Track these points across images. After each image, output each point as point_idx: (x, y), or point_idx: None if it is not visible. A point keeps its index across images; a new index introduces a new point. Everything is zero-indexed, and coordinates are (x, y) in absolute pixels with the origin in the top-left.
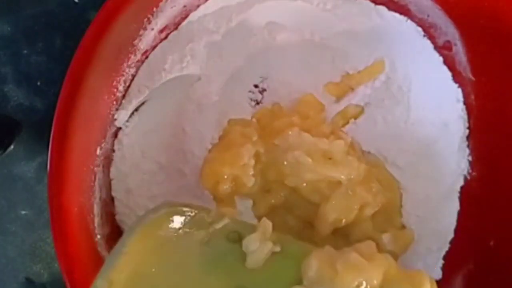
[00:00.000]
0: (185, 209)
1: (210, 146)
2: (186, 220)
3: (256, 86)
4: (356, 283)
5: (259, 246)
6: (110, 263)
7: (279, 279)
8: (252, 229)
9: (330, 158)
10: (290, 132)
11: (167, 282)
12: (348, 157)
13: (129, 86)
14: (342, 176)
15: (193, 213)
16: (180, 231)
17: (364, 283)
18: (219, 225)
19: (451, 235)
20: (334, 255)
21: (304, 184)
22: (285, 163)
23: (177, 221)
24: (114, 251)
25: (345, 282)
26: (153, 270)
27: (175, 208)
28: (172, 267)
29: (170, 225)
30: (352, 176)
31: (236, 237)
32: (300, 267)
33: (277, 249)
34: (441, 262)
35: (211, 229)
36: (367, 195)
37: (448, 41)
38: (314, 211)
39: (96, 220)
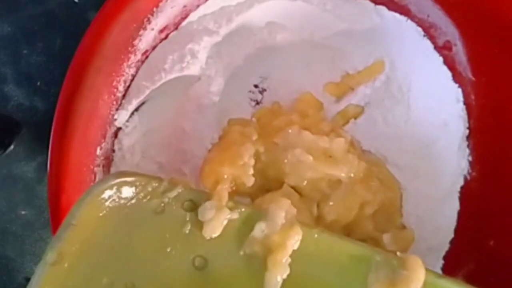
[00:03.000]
0: (135, 178)
1: (210, 146)
2: (137, 189)
3: (256, 86)
4: None
5: (215, 213)
6: (59, 236)
7: (239, 247)
8: (208, 197)
9: (330, 156)
10: (290, 131)
11: (121, 253)
12: (348, 155)
13: (129, 86)
14: (343, 174)
15: (145, 182)
16: (132, 201)
17: None
18: (172, 194)
19: (451, 235)
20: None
21: (305, 183)
22: (285, 161)
23: (128, 191)
24: (63, 223)
25: None
26: (106, 241)
27: (124, 178)
28: (125, 238)
29: (120, 195)
30: (352, 174)
31: (191, 206)
32: None
33: (235, 216)
34: (441, 262)
35: (164, 198)
36: (367, 193)
37: (448, 41)
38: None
39: None
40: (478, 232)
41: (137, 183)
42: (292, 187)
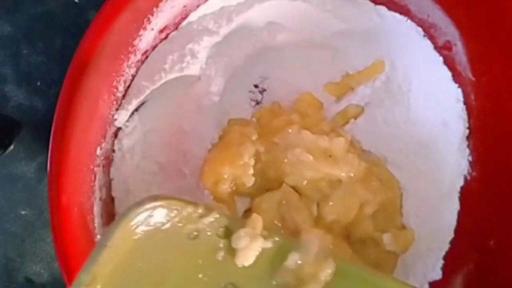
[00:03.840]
0: (171, 202)
1: (210, 146)
2: (173, 214)
3: (256, 86)
4: None
5: (249, 242)
6: (94, 257)
7: (271, 276)
8: (242, 224)
9: (330, 156)
10: (289, 130)
11: (153, 277)
12: (348, 155)
13: (129, 86)
14: (343, 174)
15: (180, 207)
16: (167, 225)
17: None
18: (207, 220)
19: (451, 235)
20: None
21: (305, 183)
22: (285, 161)
23: (163, 215)
24: (97, 245)
25: None
26: (139, 264)
27: (160, 201)
28: (159, 262)
29: (156, 219)
30: (352, 174)
31: (226, 233)
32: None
33: (268, 245)
34: (441, 262)
35: (199, 224)
36: (367, 193)
37: (448, 41)
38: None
39: (96, 220)
40: (478, 232)
41: (173, 208)
42: (292, 187)
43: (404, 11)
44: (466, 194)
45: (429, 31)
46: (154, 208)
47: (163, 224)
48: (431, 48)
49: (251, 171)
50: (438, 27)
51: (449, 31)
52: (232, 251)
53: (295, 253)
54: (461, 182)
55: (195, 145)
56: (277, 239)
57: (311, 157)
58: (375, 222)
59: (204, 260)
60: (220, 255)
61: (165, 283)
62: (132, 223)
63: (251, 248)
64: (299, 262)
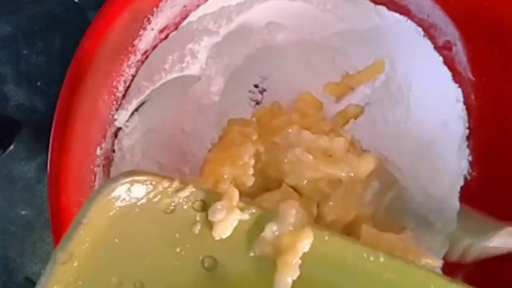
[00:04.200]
0: (146, 177)
1: (210, 146)
2: (148, 189)
3: (256, 86)
4: None
5: (225, 214)
6: (70, 235)
7: (249, 248)
8: (218, 197)
9: (330, 156)
10: (290, 130)
11: (131, 253)
12: (348, 155)
13: (129, 86)
14: (343, 174)
15: (156, 182)
16: (142, 200)
17: None
18: (183, 194)
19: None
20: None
21: (305, 182)
22: (285, 161)
23: (138, 190)
24: (73, 222)
25: None
26: (116, 241)
27: (135, 177)
28: (135, 237)
29: (131, 194)
30: (352, 174)
31: (202, 206)
32: None
33: (245, 217)
34: (441, 262)
35: (175, 198)
36: (367, 193)
37: (448, 41)
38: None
39: None
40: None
41: (148, 183)
42: (292, 187)
43: (404, 11)
44: (466, 194)
45: (429, 31)
46: (130, 183)
47: (139, 199)
48: (431, 48)
49: (251, 171)
50: (438, 27)
51: (449, 31)
52: (209, 224)
53: (272, 224)
54: (461, 182)
55: (195, 145)
56: (253, 210)
57: (311, 157)
58: (375, 222)
59: (181, 234)
60: (197, 228)
61: (143, 258)
62: (107, 198)
63: (227, 221)
64: (276, 232)
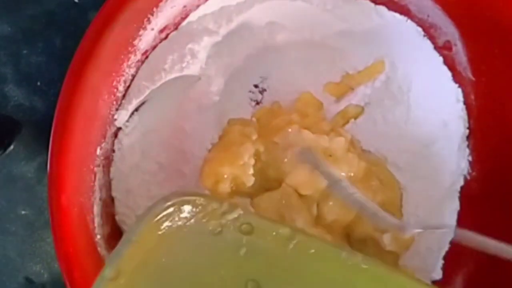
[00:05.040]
0: (196, 198)
1: (210, 146)
2: (197, 210)
3: (256, 86)
4: None
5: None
6: (119, 252)
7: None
8: (265, 221)
9: (330, 155)
10: (289, 130)
11: (177, 272)
12: (348, 154)
13: (129, 86)
14: (343, 173)
15: (205, 203)
16: (191, 221)
17: None
18: (231, 216)
19: (451, 235)
20: None
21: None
22: (285, 160)
23: (188, 211)
24: (123, 240)
25: None
26: (163, 260)
27: (185, 197)
28: (182, 258)
29: (181, 215)
30: (352, 174)
31: (249, 229)
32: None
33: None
34: (441, 262)
35: (223, 220)
36: (367, 192)
37: (448, 41)
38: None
39: (96, 220)
40: (478, 232)
41: (197, 203)
42: (292, 187)
43: (404, 11)
44: (466, 194)
45: (429, 31)
46: (180, 203)
47: (188, 219)
48: (431, 48)
49: (251, 171)
50: (438, 27)
51: (449, 31)
52: (255, 248)
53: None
54: (461, 182)
55: (195, 145)
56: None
57: None
58: None
59: (227, 256)
60: (243, 251)
61: (188, 279)
62: (157, 218)
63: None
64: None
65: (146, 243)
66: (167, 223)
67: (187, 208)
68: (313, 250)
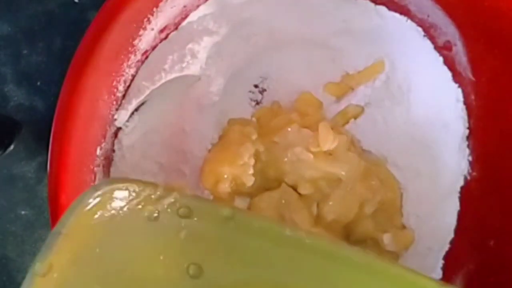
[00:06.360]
0: (128, 185)
1: (210, 146)
2: (131, 197)
3: (256, 86)
4: None
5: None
6: (49, 246)
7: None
8: (204, 203)
9: (330, 154)
10: (289, 129)
11: (113, 262)
12: (348, 153)
13: (129, 86)
14: (343, 172)
15: (138, 189)
16: (125, 208)
17: None
18: (168, 200)
19: (451, 235)
20: None
21: (305, 182)
22: (285, 160)
23: (120, 198)
24: (52, 233)
25: None
26: (97, 250)
27: (117, 184)
28: (118, 246)
29: (113, 203)
30: (352, 173)
31: (187, 212)
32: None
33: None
34: (441, 262)
35: (159, 205)
36: (366, 192)
37: (448, 41)
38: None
39: None
40: (478, 232)
41: (130, 190)
42: (292, 186)
43: (404, 11)
44: (466, 194)
45: (429, 31)
46: (111, 191)
47: (121, 207)
48: (431, 48)
49: (251, 171)
50: (438, 27)
51: (449, 31)
52: (194, 231)
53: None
54: (461, 182)
55: (195, 145)
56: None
57: (311, 156)
58: (375, 222)
59: (165, 241)
60: (182, 235)
61: (125, 267)
62: (88, 207)
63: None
64: None
65: (78, 235)
66: (99, 213)
67: (119, 195)
68: (254, 228)
